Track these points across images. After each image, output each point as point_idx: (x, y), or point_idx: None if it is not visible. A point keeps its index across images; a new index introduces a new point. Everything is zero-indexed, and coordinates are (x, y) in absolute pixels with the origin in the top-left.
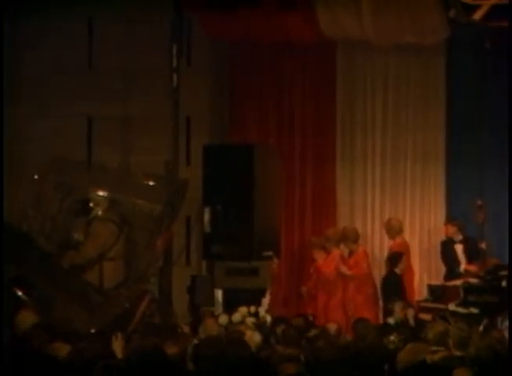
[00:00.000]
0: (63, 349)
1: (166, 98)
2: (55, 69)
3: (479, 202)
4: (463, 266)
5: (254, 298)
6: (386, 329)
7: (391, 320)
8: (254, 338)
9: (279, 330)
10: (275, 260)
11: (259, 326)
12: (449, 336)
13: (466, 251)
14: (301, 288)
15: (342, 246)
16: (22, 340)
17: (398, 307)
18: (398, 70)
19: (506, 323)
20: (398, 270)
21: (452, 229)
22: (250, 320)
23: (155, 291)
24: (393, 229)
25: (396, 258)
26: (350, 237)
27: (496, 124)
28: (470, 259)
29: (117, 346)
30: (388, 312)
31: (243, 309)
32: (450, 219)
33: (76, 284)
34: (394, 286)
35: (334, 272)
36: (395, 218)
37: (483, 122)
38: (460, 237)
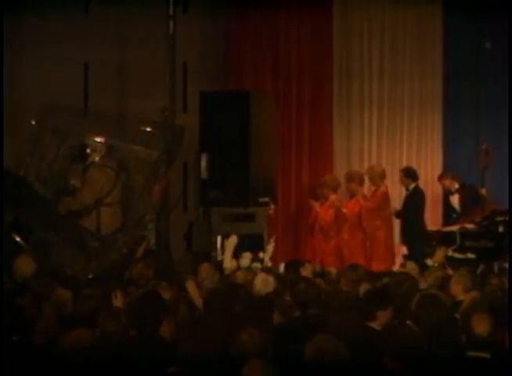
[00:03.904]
0: (65, 296)
1: (162, 45)
2: (52, 14)
3: (484, 146)
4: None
5: (253, 245)
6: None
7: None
8: (267, 281)
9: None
10: (272, 206)
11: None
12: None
13: (461, 200)
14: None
15: (344, 189)
16: (23, 286)
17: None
18: (394, 18)
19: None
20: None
21: (445, 183)
22: (256, 266)
23: (152, 237)
24: (376, 175)
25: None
26: (355, 179)
27: (494, 71)
28: (466, 208)
29: (118, 304)
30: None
31: (248, 254)
32: (441, 175)
33: (73, 230)
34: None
35: (331, 218)
36: (377, 164)
37: (481, 70)
38: (456, 186)
